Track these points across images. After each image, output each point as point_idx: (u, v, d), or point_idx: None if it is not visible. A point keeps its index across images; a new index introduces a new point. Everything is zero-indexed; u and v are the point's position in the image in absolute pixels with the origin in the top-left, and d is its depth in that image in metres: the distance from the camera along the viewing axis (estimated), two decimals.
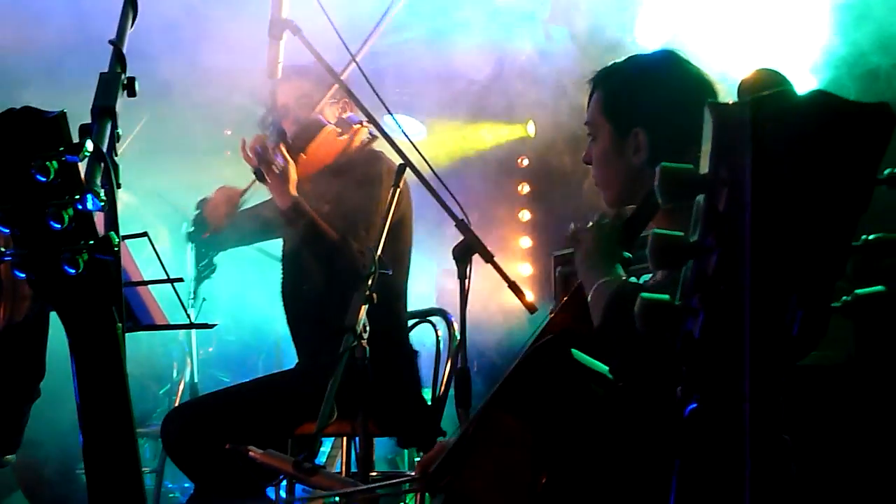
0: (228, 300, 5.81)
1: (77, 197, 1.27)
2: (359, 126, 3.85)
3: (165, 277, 3.19)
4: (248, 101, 7.47)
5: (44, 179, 1.25)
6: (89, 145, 1.28)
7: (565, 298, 2.56)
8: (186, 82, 7.34)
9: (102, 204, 1.29)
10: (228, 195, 3.89)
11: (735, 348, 0.86)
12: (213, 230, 3.85)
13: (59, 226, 1.26)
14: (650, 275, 2.33)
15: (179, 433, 3.53)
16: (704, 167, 0.88)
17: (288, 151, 3.68)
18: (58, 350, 3.31)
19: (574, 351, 2.18)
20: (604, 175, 2.44)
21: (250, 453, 2.94)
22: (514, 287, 3.43)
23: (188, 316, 3.49)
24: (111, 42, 1.90)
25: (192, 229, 3.98)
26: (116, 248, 1.30)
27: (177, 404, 5.17)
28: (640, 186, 2.31)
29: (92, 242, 1.28)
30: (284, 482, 3.90)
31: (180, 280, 3.28)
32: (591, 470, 2.19)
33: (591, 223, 2.37)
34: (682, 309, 0.88)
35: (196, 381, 5.24)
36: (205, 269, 3.86)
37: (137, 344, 4.39)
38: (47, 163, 1.24)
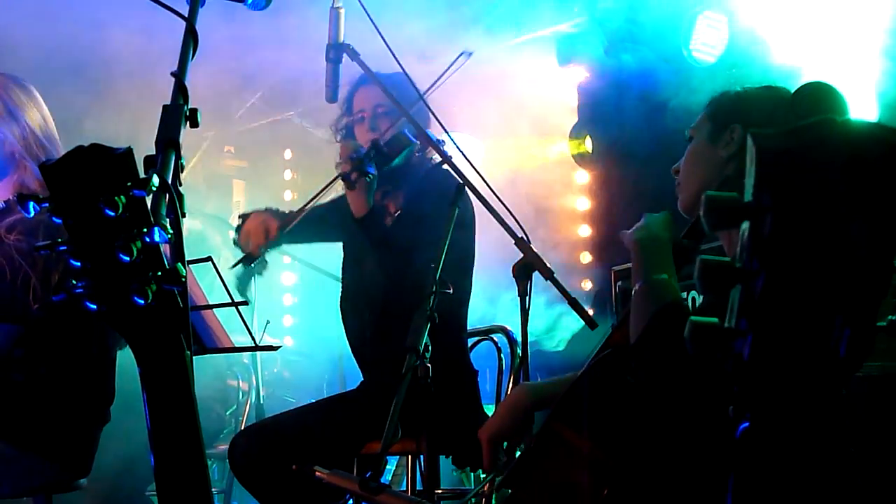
0: (292, 321, 5.88)
1: (145, 230, 1.31)
2: (436, 144, 3.86)
3: (230, 301, 3.24)
4: (308, 122, 7.58)
5: (112, 214, 1.29)
6: (156, 180, 1.33)
7: (626, 312, 2.57)
8: (245, 104, 7.45)
9: (169, 236, 1.33)
10: (266, 225, 3.85)
11: (784, 369, 0.88)
12: (247, 257, 3.84)
13: (127, 258, 1.30)
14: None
15: (246, 454, 3.57)
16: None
17: (379, 163, 3.70)
18: (125, 375, 3.39)
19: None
20: (689, 173, 2.52)
21: (317, 473, 2.97)
22: (574, 304, 3.44)
23: (253, 338, 3.53)
24: (173, 74, 1.95)
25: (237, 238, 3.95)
26: (184, 279, 1.34)
27: (243, 425, 5.23)
28: (721, 183, 2.38)
29: (160, 274, 1.32)
30: (350, 502, 3.94)
31: (245, 303, 3.32)
32: (652, 483, 2.20)
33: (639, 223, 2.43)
34: (731, 331, 0.90)
35: (262, 401, 5.30)
36: (258, 267, 3.84)
37: (203, 366, 4.45)
38: (116, 197, 1.28)
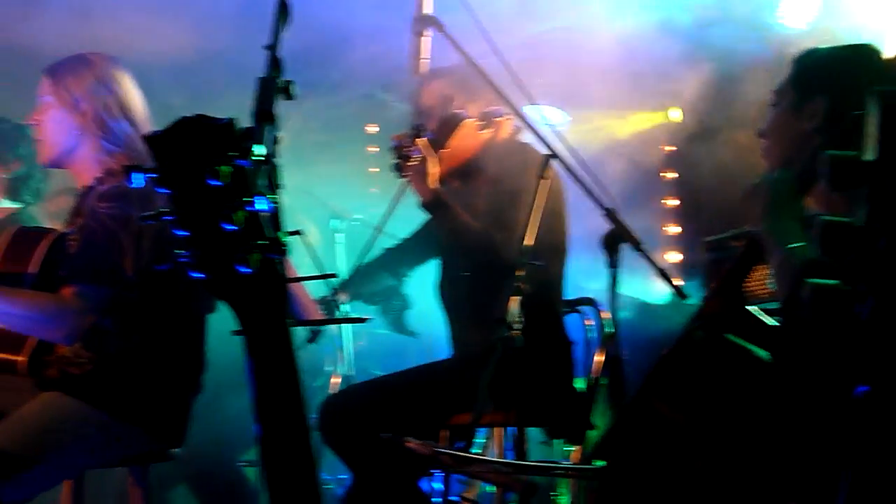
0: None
1: (248, 199, 1.32)
2: (502, 119, 3.86)
3: (319, 273, 3.26)
4: (391, 97, 7.59)
5: (217, 184, 1.31)
6: (259, 149, 1.34)
7: (717, 284, 2.55)
8: (330, 79, 7.48)
9: (274, 205, 1.34)
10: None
11: None
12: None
13: (231, 227, 1.32)
14: None
15: (336, 422, 3.60)
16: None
17: (429, 146, 3.71)
18: (215, 346, 3.43)
19: (729, 335, 2.18)
20: (774, 142, 2.51)
21: (407, 443, 3.00)
22: (663, 275, 3.42)
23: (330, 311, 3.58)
24: (266, 47, 1.96)
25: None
26: (285, 248, 1.36)
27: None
28: (804, 153, 2.35)
29: (264, 242, 1.34)
30: (438, 472, 3.96)
31: (333, 276, 3.35)
32: (747, 454, 2.19)
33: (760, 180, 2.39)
34: (851, 293, 0.88)
35: (351, 374, 5.34)
36: (399, 306, 3.93)
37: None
38: (220, 168, 1.30)
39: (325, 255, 5.60)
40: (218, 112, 1.40)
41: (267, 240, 1.34)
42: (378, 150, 8.20)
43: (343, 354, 5.41)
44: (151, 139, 1.34)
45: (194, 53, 6.08)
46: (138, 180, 1.35)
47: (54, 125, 3.38)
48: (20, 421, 3.14)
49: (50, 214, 5.61)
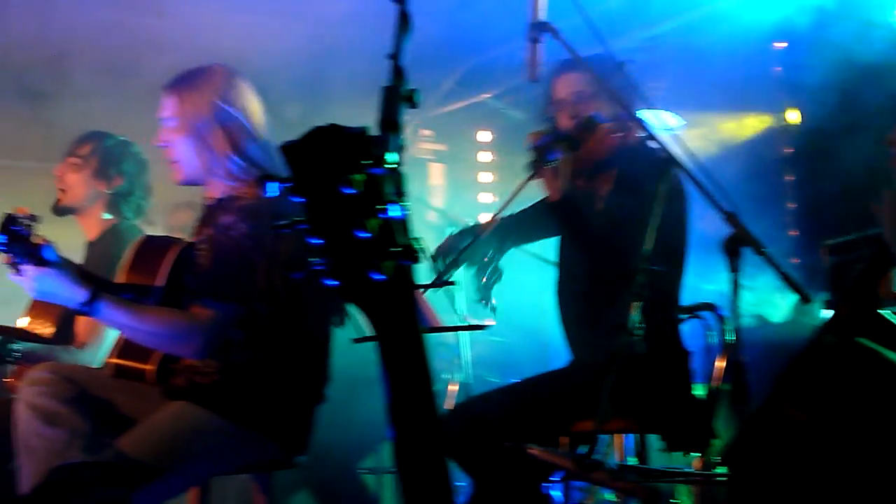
0: (497, 302, 5.87)
1: (382, 207, 1.33)
2: (633, 122, 3.81)
3: (438, 281, 3.28)
4: (502, 104, 7.60)
5: (350, 192, 1.32)
6: (392, 157, 1.35)
7: (846, 290, 2.50)
8: (442, 87, 7.52)
9: (407, 212, 1.35)
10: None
11: None
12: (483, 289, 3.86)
13: (365, 235, 1.33)
14: None
15: (457, 431, 3.60)
16: None
17: (565, 148, 3.68)
18: (336, 356, 3.46)
19: (863, 340, 2.14)
20: None
21: (530, 451, 2.99)
22: (787, 278, 3.36)
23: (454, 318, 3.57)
24: (389, 56, 1.98)
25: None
26: (418, 254, 1.36)
27: (449, 404, 5.28)
28: None
29: (397, 249, 1.35)
30: (558, 480, 3.94)
31: (452, 283, 3.36)
32: (879, 459, 2.14)
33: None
34: None
35: (469, 381, 5.35)
36: (493, 276, 3.85)
37: None
38: (353, 176, 1.31)
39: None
40: (332, 119, 1.42)
41: (400, 246, 1.35)
42: (490, 157, 8.22)
43: (461, 361, 5.43)
44: (286, 148, 1.36)
45: (308, 59, 6.16)
46: (273, 190, 1.37)
47: (183, 147, 3.41)
48: (151, 430, 3.20)
49: (171, 228, 5.73)
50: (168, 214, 6.06)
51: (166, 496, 3.27)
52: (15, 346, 3.99)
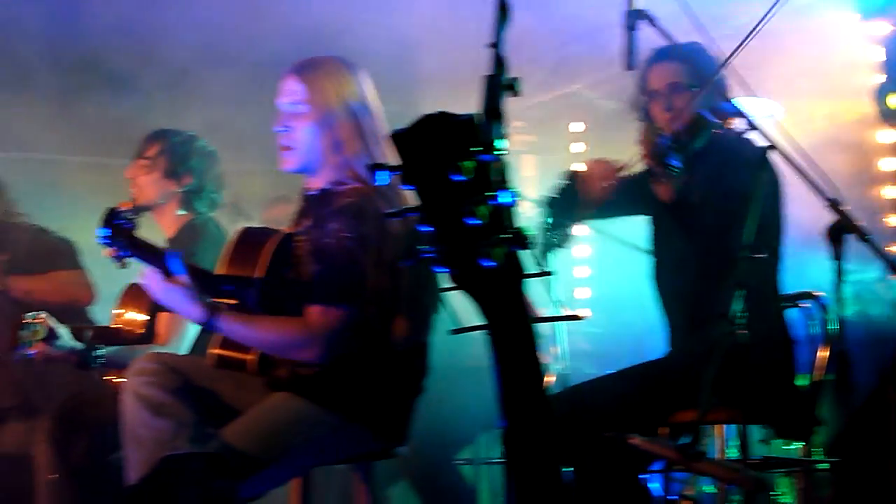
0: (589, 293, 5.86)
1: (492, 193, 1.34)
2: (735, 116, 3.75)
3: (535, 271, 3.25)
4: (596, 94, 7.56)
5: (460, 179, 1.32)
6: (502, 144, 1.35)
7: None
8: (534, 77, 7.49)
9: (517, 199, 1.35)
10: (606, 171, 3.76)
11: None
12: (583, 206, 3.73)
13: (475, 222, 1.33)
14: None
15: (559, 421, 3.58)
16: None
17: (680, 151, 3.63)
18: (434, 347, 3.47)
19: None
20: None
21: (631, 441, 2.97)
22: (893, 265, 3.30)
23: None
24: (489, 45, 1.98)
25: (555, 196, 3.76)
26: (528, 240, 1.36)
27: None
28: None
29: (507, 236, 1.35)
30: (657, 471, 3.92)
31: (549, 274, 3.33)
32: None
33: None
34: None
35: (566, 371, 5.32)
36: (557, 238, 3.73)
37: None
38: (463, 163, 1.31)
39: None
40: (426, 110, 1.42)
41: (510, 233, 1.35)
42: (583, 147, 8.17)
43: (557, 352, 5.40)
44: (396, 136, 1.36)
45: (403, 50, 6.18)
46: (383, 178, 1.38)
47: (306, 134, 3.41)
48: (254, 421, 3.24)
49: (267, 221, 5.79)
50: (264, 208, 6.12)
51: (270, 486, 3.32)
52: (98, 353, 4.06)
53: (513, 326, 1.40)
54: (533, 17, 5.99)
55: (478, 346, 4.78)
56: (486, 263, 1.34)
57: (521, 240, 1.36)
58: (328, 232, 3.26)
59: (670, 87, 3.79)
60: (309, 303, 3.27)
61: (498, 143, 1.36)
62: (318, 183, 3.45)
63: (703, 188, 3.74)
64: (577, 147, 8.22)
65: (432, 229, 1.36)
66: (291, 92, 3.43)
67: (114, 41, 6.24)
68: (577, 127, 8.21)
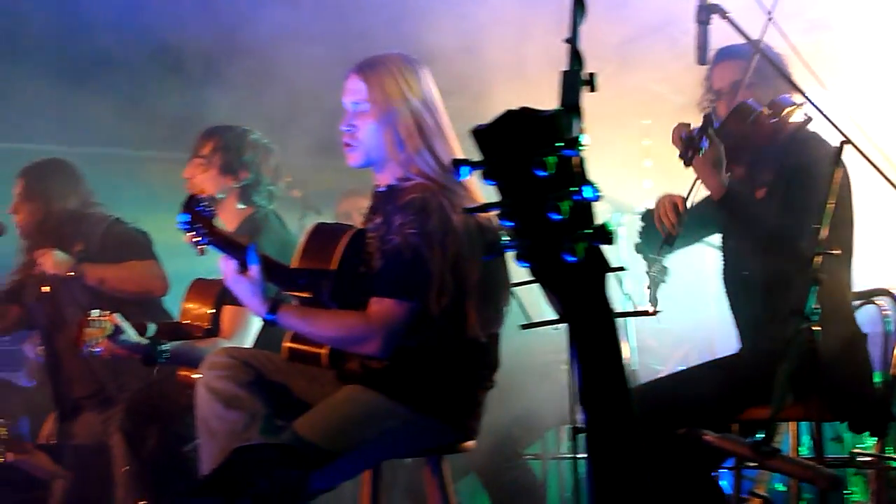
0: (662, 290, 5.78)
1: (575, 189, 1.34)
2: (792, 108, 3.73)
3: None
4: (665, 88, 7.51)
5: (543, 174, 1.33)
6: (585, 139, 1.35)
7: None
8: (604, 71, 7.45)
9: (599, 194, 1.35)
10: (673, 201, 3.80)
11: None
12: (665, 240, 3.78)
13: (558, 217, 1.33)
14: None
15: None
16: None
17: (716, 136, 3.62)
18: (503, 343, 3.47)
19: None
20: None
21: (705, 437, 2.96)
22: None
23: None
24: (566, 40, 1.98)
25: (640, 242, 3.91)
26: (611, 236, 1.36)
27: None
28: None
29: (590, 231, 1.35)
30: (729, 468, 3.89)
31: (622, 269, 3.33)
32: None
33: None
34: None
35: (634, 368, 5.32)
36: (659, 274, 3.81)
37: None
38: (546, 158, 1.32)
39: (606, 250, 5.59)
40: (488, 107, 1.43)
41: (592, 228, 1.35)
42: (650, 142, 8.12)
43: (627, 349, 5.39)
44: (477, 132, 1.37)
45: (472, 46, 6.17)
46: (465, 173, 1.39)
47: (369, 132, 3.42)
48: (326, 414, 3.27)
49: (339, 215, 5.83)
50: (336, 202, 6.16)
51: (341, 479, 3.35)
52: (164, 348, 4.12)
53: (595, 321, 1.40)
54: (600, 9, 5.96)
55: (546, 342, 4.82)
56: (568, 258, 1.35)
57: (603, 235, 1.36)
58: (393, 228, 3.28)
59: (733, 86, 3.78)
60: (371, 296, 3.30)
61: (581, 139, 1.36)
62: (385, 179, 3.48)
63: (771, 183, 3.71)
64: (647, 142, 8.18)
65: (515, 224, 1.36)
66: (354, 91, 3.46)
67: (190, 35, 6.30)
68: (646, 121, 8.16)
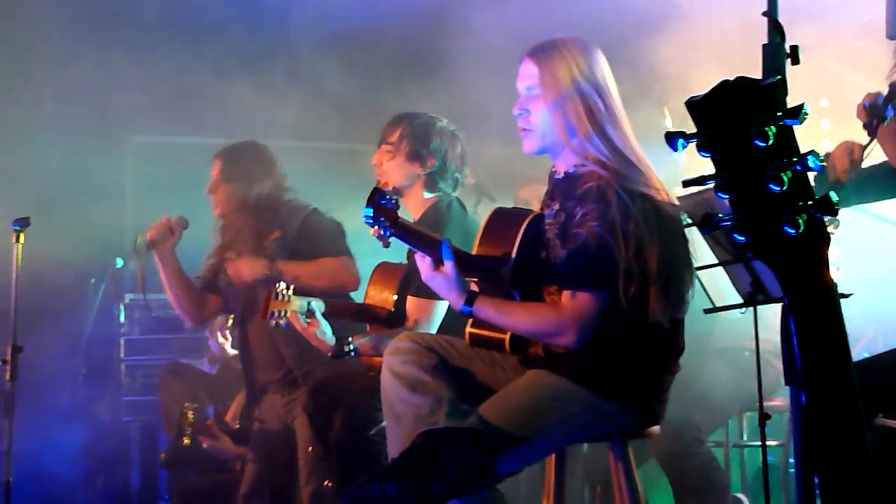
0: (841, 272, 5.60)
1: (795, 159, 1.30)
2: None
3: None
4: (846, 67, 7.28)
5: (763, 144, 1.29)
6: (809, 108, 1.31)
7: None
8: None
9: (822, 164, 1.31)
10: (850, 148, 3.65)
11: None
12: (833, 185, 3.64)
13: (778, 188, 1.30)
14: None
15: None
16: None
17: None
18: (687, 327, 3.41)
19: None
20: None
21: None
22: None
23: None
24: (764, 14, 1.93)
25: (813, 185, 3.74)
26: (835, 207, 1.32)
27: None
28: None
29: (811, 202, 1.31)
30: None
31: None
32: None
33: None
34: None
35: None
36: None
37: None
38: (766, 128, 1.28)
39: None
40: None
41: (815, 200, 1.31)
42: (829, 123, 7.89)
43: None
44: (692, 105, 1.34)
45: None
46: (679, 146, 1.36)
47: (541, 117, 3.42)
48: (511, 398, 3.28)
49: (519, 201, 5.82)
50: (517, 188, 6.16)
51: (526, 463, 3.36)
52: (351, 347, 4.20)
53: (816, 296, 1.35)
54: None
55: (729, 326, 4.70)
56: (789, 231, 1.31)
57: (825, 205, 1.31)
58: (575, 219, 3.26)
59: None
60: (562, 289, 3.29)
61: (804, 107, 1.32)
62: (561, 165, 3.46)
63: None
64: (825, 123, 7.95)
65: (733, 196, 1.33)
66: (527, 76, 3.46)
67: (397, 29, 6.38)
68: (824, 103, 7.93)
